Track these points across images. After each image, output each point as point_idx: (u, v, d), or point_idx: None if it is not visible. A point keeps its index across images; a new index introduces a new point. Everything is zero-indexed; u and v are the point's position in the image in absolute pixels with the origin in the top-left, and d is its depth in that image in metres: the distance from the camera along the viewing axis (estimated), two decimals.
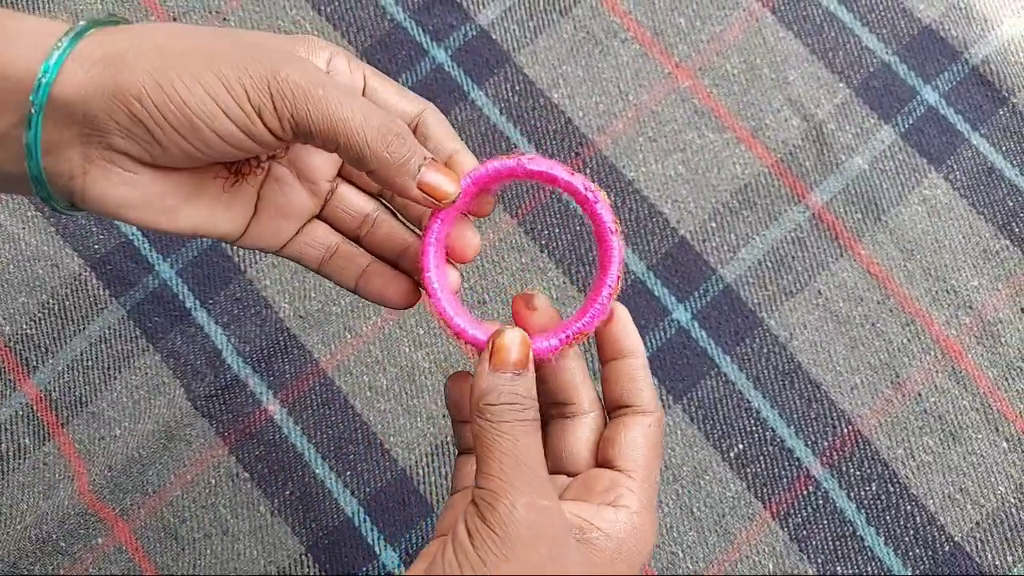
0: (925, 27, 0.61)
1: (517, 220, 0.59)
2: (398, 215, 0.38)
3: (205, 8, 0.64)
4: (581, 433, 0.35)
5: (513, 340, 0.32)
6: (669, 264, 0.58)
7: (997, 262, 0.57)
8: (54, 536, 0.53)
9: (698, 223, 0.58)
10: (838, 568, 0.52)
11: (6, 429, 0.56)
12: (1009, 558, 0.52)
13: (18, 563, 0.53)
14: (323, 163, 0.36)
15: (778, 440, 0.54)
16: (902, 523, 0.52)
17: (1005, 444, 0.54)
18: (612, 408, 0.35)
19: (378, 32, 0.63)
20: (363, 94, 0.34)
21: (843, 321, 0.56)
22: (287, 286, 0.58)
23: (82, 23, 0.30)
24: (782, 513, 0.53)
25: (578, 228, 0.58)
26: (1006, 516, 0.52)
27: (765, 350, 0.56)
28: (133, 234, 0.59)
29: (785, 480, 0.54)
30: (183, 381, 0.56)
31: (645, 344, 0.52)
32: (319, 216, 0.37)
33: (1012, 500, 0.53)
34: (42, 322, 0.57)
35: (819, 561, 0.52)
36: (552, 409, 0.36)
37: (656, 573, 0.52)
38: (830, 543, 0.52)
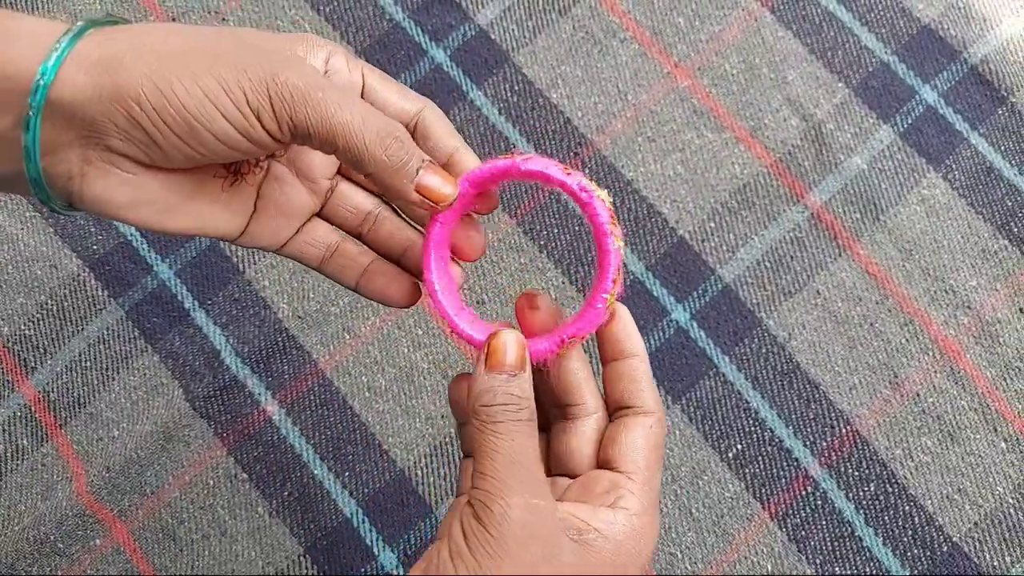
0: (924, 27, 0.61)
1: (516, 220, 0.59)
2: (400, 213, 0.38)
3: (204, 8, 0.64)
4: (585, 434, 0.35)
5: (509, 341, 0.32)
6: (668, 264, 0.58)
7: (996, 262, 0.57)
8: (52, 537, 0.53)
9: (697, 223, 0.58)
10: (836, 568, 0.52)
11: (4, 430, 0.55)
12: (1007, 558, 0.52)
13: (16, 564, 0.52)
14: (322, 161, 0.36)
15: (777, 440, 0.54)
16: (900, 523, 0.52)
17: (1003, 444, 0.54)
18: (613, 409, 0.35)
19: (377, 32, 0.63)
20: (362, 92, 0.34)
21: (842, 321, 0.56)
22: (286, 287, 0.58)
23: (80, 23, 0.30)
24: (781, 513, 0.53)
25: (577, 228, 0.58)
26: (1004, 516, 0.52)
27: (764, 350, 0.56)
28: (132, 235, 0.59)
29: (784, 480, 0.54)
30: (181, 382, 0.56)
31: (644, 344, 0.51)
32: (320, 214, 0.37)
33: (1010, 500, 0.53)
34: (40, 323, 0.57)
35: (817, 561, 0.52)
36: (557, 410, 0.36)
37: (655, 574, 0.52)
38: (829, 543, 0.52)
